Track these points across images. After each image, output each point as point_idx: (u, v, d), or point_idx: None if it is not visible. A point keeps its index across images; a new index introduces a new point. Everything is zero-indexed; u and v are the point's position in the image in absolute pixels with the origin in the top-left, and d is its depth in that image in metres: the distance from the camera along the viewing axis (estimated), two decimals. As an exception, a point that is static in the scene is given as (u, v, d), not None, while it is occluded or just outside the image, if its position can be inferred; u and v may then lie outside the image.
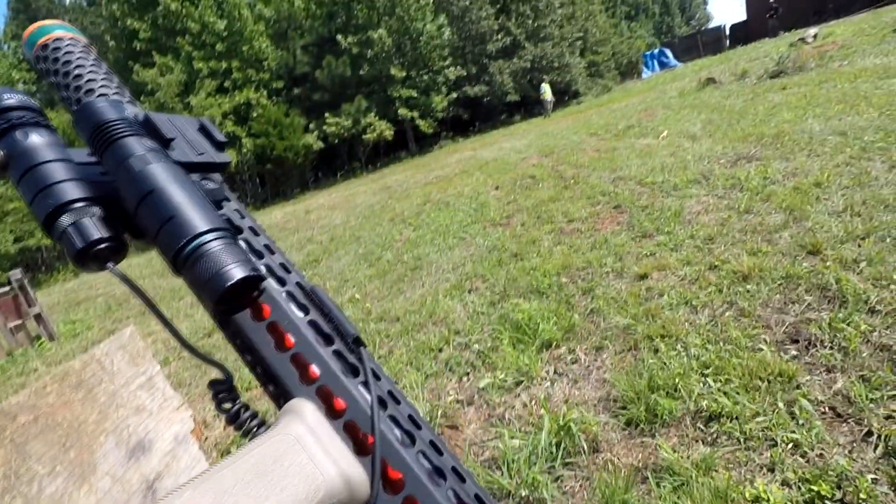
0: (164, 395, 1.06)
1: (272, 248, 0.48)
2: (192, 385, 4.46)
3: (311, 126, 25.82)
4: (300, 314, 0.42)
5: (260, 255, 0.45)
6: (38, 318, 7.69)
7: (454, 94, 27.40)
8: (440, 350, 3.86)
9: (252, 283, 0.37)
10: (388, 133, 25.50)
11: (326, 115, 25.18)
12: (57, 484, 0.79)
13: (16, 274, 7.64)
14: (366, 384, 0.40)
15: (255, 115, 24.39)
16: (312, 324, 0.42)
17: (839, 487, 1.79)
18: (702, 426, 2.26)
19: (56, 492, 0.78)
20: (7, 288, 7.53)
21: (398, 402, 0.44)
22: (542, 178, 8.87)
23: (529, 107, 28.35)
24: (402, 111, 25.41)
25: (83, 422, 0.87)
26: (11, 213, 20.48)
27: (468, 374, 3.46)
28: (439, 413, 3.04)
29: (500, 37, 27.42)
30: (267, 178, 26.42)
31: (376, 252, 7.42)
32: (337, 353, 0.41)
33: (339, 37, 24.81)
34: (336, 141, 25.76)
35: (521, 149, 13.64)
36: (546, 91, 24.05)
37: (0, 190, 20.66)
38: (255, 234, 0.48)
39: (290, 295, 0.43)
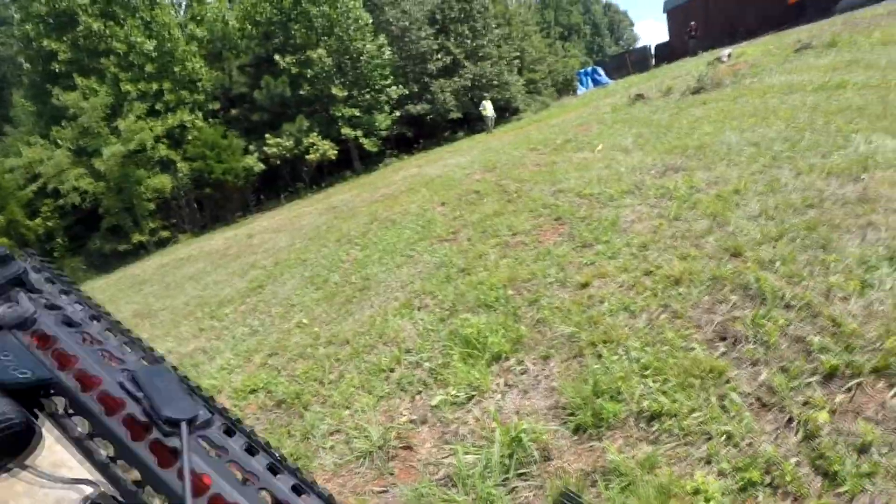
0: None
1: (95, 336, 0.47)
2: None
3: (251, 147, 25.18)
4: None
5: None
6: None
7: (397, 113, 27.55)
8: (391, 370, 3.84)
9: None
10: (332, 153, 25.25)
11: (267, 135, 24.65)
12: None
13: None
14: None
15: (190, 137, 23.54)
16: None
17: (767, 472, 1.92)
18: (644, 426, 2.36)
19: None
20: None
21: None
22: (487, 192, 9.05)
23: (472, 123, 28.90)
24: (346, 130, 25.27)
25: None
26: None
27: (420, 392, 3.46)
28: (393, 435, 3.02)
29: (440, 56, 27.92)
30: (206, 203, 25.46)
31: (323, 274, 7.30)
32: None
33: (276, 57, 24.46)
34: (278, 162, 25.23)
35: (465, 165, 13.86)
36: (487, 108, 24.63)
37: None
38: (70, 324, 0.47)
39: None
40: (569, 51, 42.72)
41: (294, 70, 24.46)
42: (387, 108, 27.12)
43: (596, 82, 34.94)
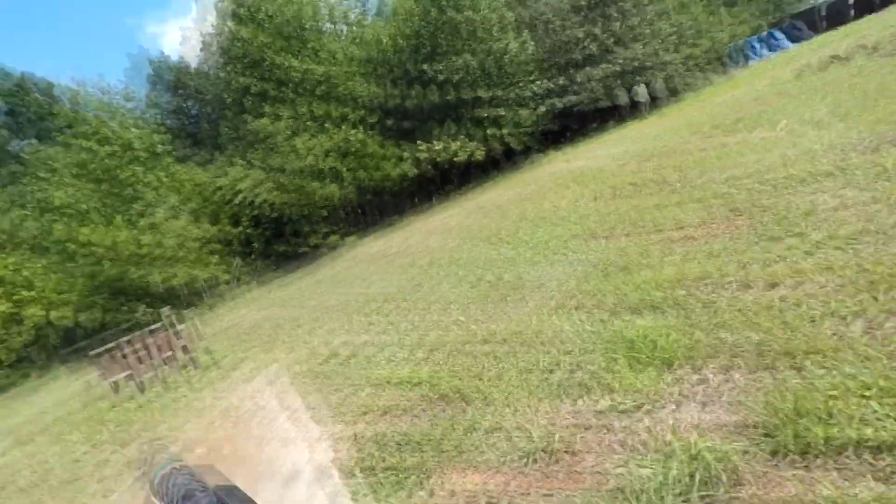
0: (307, 426, 1.13)
1: None
2: (316, 409, 4.74)
3: (405, 154, 26.90)
4: None
5: None
6: (185, 349, 8.67)
7: (542, 108, 27.14)
8: (551, 371, 3.76)
9: None
10: (479, 153, 25.80)
11: (418, 142, 26.12)
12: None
13: (166, 311, 8.68)
14: None
15: (353, 150, 25.95)
16: None
17: None
18: (869, 458, 1.96)
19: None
20: (159, 324, 8.58)
21: None
22: (644, 184, 8.44)
23: (623, 111, 27.29)
24: (492, 130, 25.64)
25: (245, 455, 0.96)
26: (159, 258, 23.43)
27: (583, 396, 3.33)
28: (556, 438, 2.95)
29: (586, 44, 26.84)
30: (367, 208, 27.86)
31: (476, 273, 7.47)
32: None
33: (425, 66, 25.78)
34: (429, 167, 26.56)
35: (617, 155, 13.11)
36: (640, 92, 23.02)
37: (148, 239, 23.79)
38: None
39: None
40: (737, 16, 37.84)
41: (441, 77, 25.50)
42: (531, 103, 26.88)
43: (773, 48, 30.48)
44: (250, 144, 25.80)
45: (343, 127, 26.16)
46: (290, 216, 25.64)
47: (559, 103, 27.18)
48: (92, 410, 8.92)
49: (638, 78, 24.97)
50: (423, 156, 25.97)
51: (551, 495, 2.59)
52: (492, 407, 3.55)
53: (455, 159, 25.82)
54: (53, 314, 24.92)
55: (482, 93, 25.31)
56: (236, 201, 26.61)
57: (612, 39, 26.71)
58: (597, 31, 26.71)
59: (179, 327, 8.73)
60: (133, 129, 26.26)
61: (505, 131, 25.79)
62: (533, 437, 2.99)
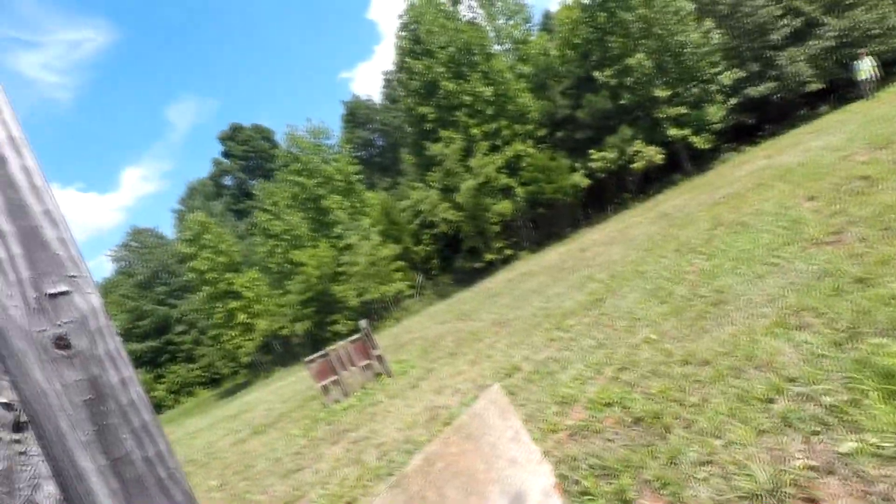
0: (529, 448, 1.14)
1: None
2: (502, 423, 4.83)
3: (576, 165, 26.31)
4: None
5: None
6: (379, 358, 9.60)
7: (733, 100, 24.20)
8: (771, 401, 3.25)
9: None
10: (658, 157, 23.98)
11: (590, 151, 25.34)
12: (469, 527, 0.92)
13: (363, 323, 9.74)
14: None
15: (524, 164, 26.26)
16: None
17: None
18: None
19: (469, 536, 0.91)
20: (358, 334, 9.64)
21: None
22: (881, 177, 6.92)
23: (839, 92, 22.89)
24: (672, 131, 23.63)
25: (476, 470, 1.00)
26: (354, 275, 26.51)
27: (818, 433, 2.81)
28: (787, 480, 2.53)
29: (786, 21, 23.28)
30: (539, 222, 27.83)
31: (666, 287, 6.89)
32: None
33: (595, 73, 24.98)
34: (602, 175, 25.54)
35: (838, 145, 11.00)
36: (864, 68, 19.07)
37: (346, 258, 27.10)
38: None
39: None
40: None
41: (613, 82, 24.44)
42: (719, 97, 24.15)
43: None
44: (428, 168, 27.82)
45: (514, 143, 26.69)
46: (466, 233, 26.87)
47: (754, 93, 23.96)
48: (307, 409, 10.37)
49: (860, 50, 20.75)
50: (596, 164, 25.11)
51: (786, 548, 2.22)
52: (698, 437, 3.20)
53: (632, 166, 24.40)
54: (275, 325, 29.83)
55: (659, 92, 23.57)
56: (417, 221, 28.89)
57: (820, 10, 22.74)
58: (800, 3, 23.00)
59: (374, 338, 9.68)
60: (332, 163, 30.31)
61: (688, 131, 23.56)
62: (756, 477, 2.61)
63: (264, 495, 6.19)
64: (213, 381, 43.87)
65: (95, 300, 0.69)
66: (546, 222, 27.60)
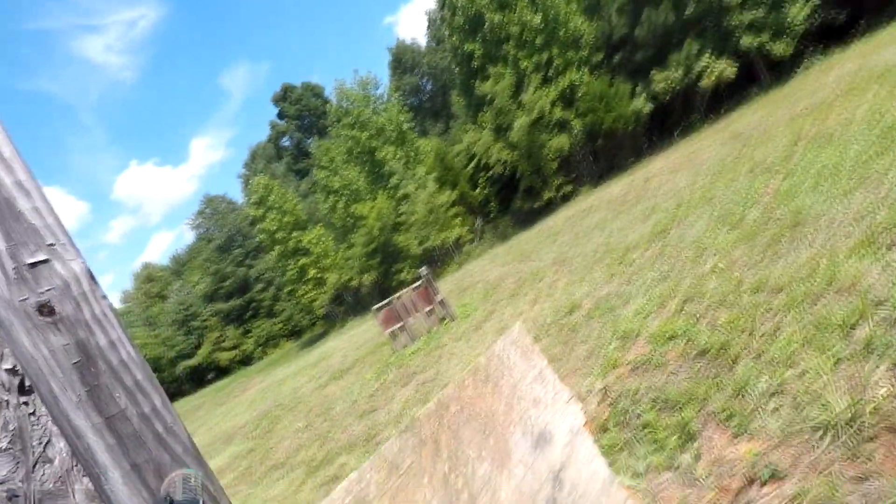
0: (555, 388, 1.10)
1: None
2: (562, 360, 4.82)
3: (637, 89, 24.57)
4: None
5: None
6: (442, 303, 9.79)
7: (819, -4, 21.34)
8: (852, 327, 3.00)
9: None
10: (730, 71, 21.86)
11: (652, 72, 23.50)
12: (484, 468, 0.90)
13: (424, 270, 9.90)
14: None
15: (579, 94, 24.85)
16: None
17: None
18: None
19: (485, 474, 0.90)
20: (420, 281, 9.84)
21: None
22: None
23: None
24: (746, 40, 21.31)
25: (494, 412, 0.98)
26: (414, 223, 26.83)
27: (908, 359, 2.57)
28: (867, 409, 2.35)
29: None
30: (600, 154, 26.57)
31: (737, 212, 6.42)
32: None
33: (655, -16, 22.76)
34: (667, 98, 23.73)
35: (948, 33, 9.51)
36: None
37: (404, 208, 27.38)
38: None
39: None
40: None
41: (677, -10, 22.18)
42: (802, -6, 21.35)
43: None
44: (479, 108, 27.03)
45: (567, 72, 25.22)
46: (522, 172, 26.23)
47: (845, -18, 20.95)
48: (378, 355, 10.87)
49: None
50: (659, 87, 23.36)
51: (865, 479, 2.09)
52: (769, 367, 3.03)
53: (700, 84, 22.48)
54: (344, 277, 31.08)
55: (730, -3, 21.16)
56: (472, 165, 28.48)
57: None
58: None
59: (435, 284, 9.85)
60: (383, 113, 30.15)
61: (765, 37, 21.18)
62: (832, 406, 2.44)
63: (344, 434, 6.65)
64: (294, 333, 46.97)
65: (77, 266, 0.69)
66: (607, 154, 26.32)
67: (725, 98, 23.54)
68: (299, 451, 6.88)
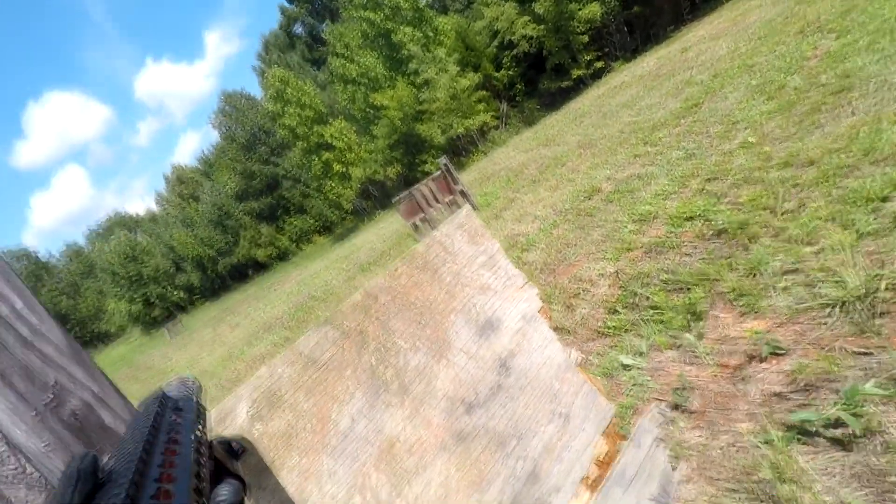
0: (507, 273, 1.03)
1: None
2: (577, 245, 4.76)
3: (681, -58, 21.66)
4: None
5: None
6: (462, 193, 9.66)
7: None
8: (884, 200, 2.79)
9: None
10: (791, -90, 18.87)
11: (699, -81, 20.52)
12: (419, 358, 0.87)
13: (442, 160, 9.67)
14: None
15: (614, -47, 22.13)
16: None
17: None
18: None
19: (419, 364, 0.87)
20: (438, 172, 9.66)
21: None
22: None
23: None
24: None
25: (433, 301, 0.92)
26: (436, 111, 25.82)
27: (937, 231, 2.40)
28: (883, 285, 2.23)
29: None
30: (635, 24, 24.22)
31: (778, 79, 5.85)
32: None
33: None
34: (714, -50, 20.91)
35: None
36: None
37: (426, 95, 26.21)
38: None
39: None
40: None
41: None
42: None
43: None
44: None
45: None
46: (550, 49, 24.38)
47: None
48: (403, 246, 11.07)
49: None
50: (704, -63, 20.47)
51: (868, 354, 2.04)
52: (786, 245, 2.89)
53: (752, -71, 19.55)
54: (368, 171, 30.88)
55: None
56: (495, 44, 26.53)
57: None
58: None
59: (455, 174, 9.66)
60: (397, -10, 27.77)
61: None
62: (847, 282, 2.33)
63: (369, 321, 6.97)
64: (325, 228, 48.14)
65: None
66: (643, 23, 24.00)
67: (783, -54, 20.56)
68: (330, 337, 7.32)
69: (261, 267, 49.72)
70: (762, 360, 2.27)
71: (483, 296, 0.98)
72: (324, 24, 50.18)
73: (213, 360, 12.59)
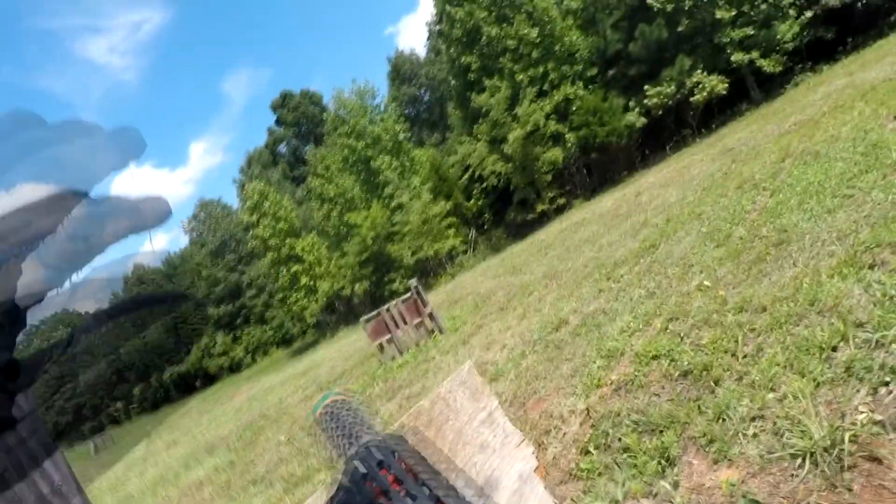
0: (505, 430, 1.04)
1: None
2: (547, 378, 4.76)
3: (631, 104, 24.76)
4: None
5: None
6: (431, 315, 9.71)
7: (808, 13, 21.66)
8: (833, 349, 2.97)
9: None
10: (721, 87, 22.11)
11: (646, 87, 23.71)
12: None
13: (413, 282, 9.83)
14: None
15: (574, 108, 25.02)
16: None
17: None
18: None
19: (420, 528, 0.84)
20: (408, 294, 9.76)
21: None
22: None
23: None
24: (737, 56, 21.58)
25: (436, 461, 0.91)
26: (408, 233, 26.77)
27: (887, 383, 2.53)
28: (846, 438, 2.30)
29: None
30: (593, 167, 26.70)
31: (724, 228, 6.42)
32: None
33: (649, 0, 23.04)
34: (659, 112, 23.94)
35: (935, 55, 9.63)
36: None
37: (399, 217, 27.33)
38: None
39: None
40: None
41: (669, 7, 22.47)
42: (792, 12, 21.67)
43: None
44: (474, 120, 27.15)
45: (562, 86, 25.42)
46: (516, 184, 26.29)
47: (834, 1, 21.32)
48: (366, 367, 10.77)
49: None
50: (652, 101, 23.58)
51: (841, 511, 2.04)
52: (750, 390, 2.98)
53: (692, 99, 22.70)
54: (336, 285, 30.90)
55: (722, 13, 21.48)
56: (466, 176, 28.51)
57: None
58: None
59: (425, 297, 9.77)
60: (379, 123, 30.18)
61: (755, 54, 21.47)
62: (811, 433, 2.39)
63: (326, 450, 6.53)
64: (284, 341, 46.57)
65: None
66: (600, 167, 26.47)
67: (717, 113, 23.80)
68: (280, 466, 6.76)
69: (210, 378, 46.79)
70: (740, 515, 2.22)
71: (482, 454, 0.98)
72: (307, 147, 53.22)
73: (140, 484, 11.30)
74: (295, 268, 32.09)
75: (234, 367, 46.51)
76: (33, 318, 0.40)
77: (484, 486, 0.91)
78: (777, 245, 4.94)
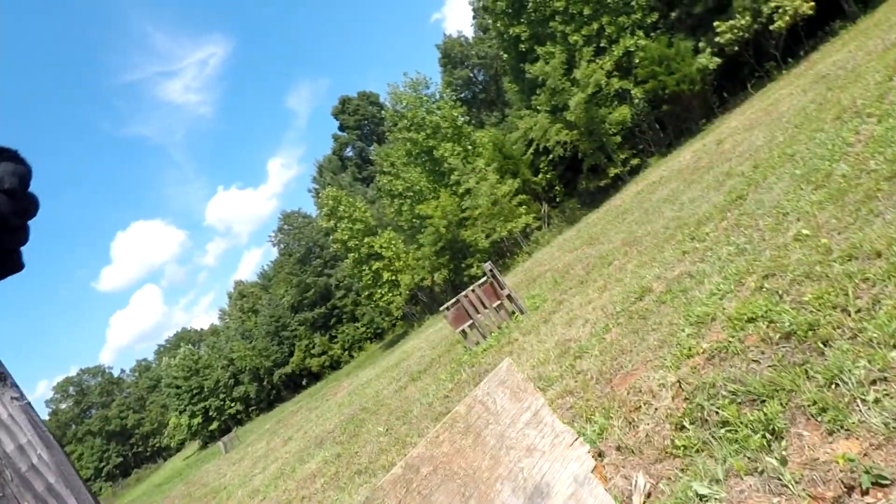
0: (554, 430, 0.95)
1: None
2: (632, 352, 4.52)
3: (701, 45, 22.79)
4: None
5: None
6: (509, 297, 9.61)
7: None
8: (972, 293, 2.54)
9: None
10: (806, 7, 19.73)
11: (715, 24, 21.70)
12: (463, 540, 0.79)
13: (487, 265, 9.77)
14: None
15: (637, 61, 23.48)
16: None
17: None
18: None
19: (463, 547, 0.79)
20: (484, 278, 9.72)
21: None
22: None
23: None
24: (822, -31, 19.17)
25: (477, 469, 0.86)
26: (479, 217, 26.66)
27: None
28: None
29: None
30: (666, 121, 24.99)
31: (823, 167, 5.74)
32: None
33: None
34: (735, 49, 21.83)
35: None
36: None
37: (468, 203, 27.26)
38: None
39: None
40: None
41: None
42: None
43: None
44: (532, 91, 26.36)
45: (621, 40, 23.97)
46: (584, 151, 25.27)
47: None
48: (453, 354, 10.89)
49: None
50: (724, 38, 21.60)
51: None
52: (867, 350, 2.63)
53: (771, 27, 20.51)
54: (416, 277, 31.54)
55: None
56: (531, 151, 27.83)
57: None
58: None
59: (501, 278, 9.68)
60: (437, 111, 30.18)
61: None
62: (947, 394, 2.06)
63: (421, 438, 6.69)
64: (376, 335, 48.50)
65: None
66: (674, 120, 24.73)
67: (806, 38, 21.31)
68: (380, 456, 7.02)
69: (314, 376, 49.90)
70: (864, 493, 1.96)
71: (530, 458, 0.91)
72: (372, 147, 54.56)
73: (264, 478, 12.25)
74: (376, 265, 33.15)
75: (335, 365, 49.15)
76: None
77: (533, 492, 0.84)
78: (889, 179, 4.33)
